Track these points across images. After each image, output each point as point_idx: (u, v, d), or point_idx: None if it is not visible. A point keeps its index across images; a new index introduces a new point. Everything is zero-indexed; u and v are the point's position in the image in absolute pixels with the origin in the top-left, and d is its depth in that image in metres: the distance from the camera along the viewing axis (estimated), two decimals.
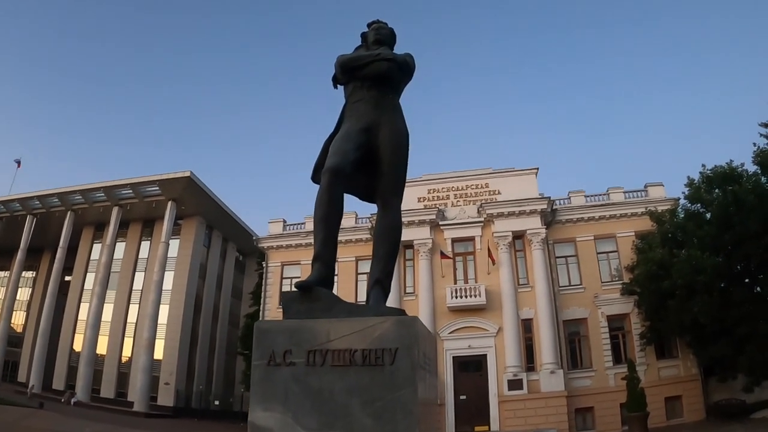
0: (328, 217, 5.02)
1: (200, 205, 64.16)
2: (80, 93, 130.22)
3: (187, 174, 59.23)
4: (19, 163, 73.47)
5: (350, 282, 43.35)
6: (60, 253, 66.26)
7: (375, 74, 5.78)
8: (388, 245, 5.43)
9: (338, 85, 6.13)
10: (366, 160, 5.47)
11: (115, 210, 64.99)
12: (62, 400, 52.76)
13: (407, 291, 42.21)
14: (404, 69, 6.01)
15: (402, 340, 4.22)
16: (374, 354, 4.20)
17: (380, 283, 5.21)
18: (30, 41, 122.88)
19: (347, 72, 5.93)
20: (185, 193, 61.10)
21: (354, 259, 44.10)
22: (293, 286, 4.83)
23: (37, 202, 67.74)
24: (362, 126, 5.54)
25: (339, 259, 42.64)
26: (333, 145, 5.39)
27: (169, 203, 61.92)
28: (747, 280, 33.75)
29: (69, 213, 66.81)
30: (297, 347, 4.31)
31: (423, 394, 4.32)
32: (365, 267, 42.62)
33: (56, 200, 66.98)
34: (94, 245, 69.50)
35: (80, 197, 66.13)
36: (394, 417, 4.02)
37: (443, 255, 41.28)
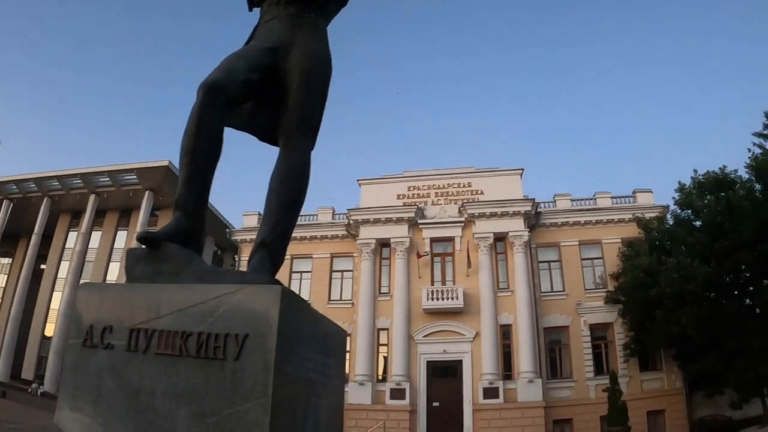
0: (196, 150, 3.70)
1: None
2: (58, 77, 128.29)
3: (166, 163, 58.31)
4: None
5: (324, 280, 42.52)
6: (35, 240, 65.32)
7: None
8: (284, 196, 3.97)
9: (253, 8, 4.81)
10: (271, 90, 4.21)
11: (91, 198, 64.05)
12: (29, 391, 51.65)
13: (382, 291, 41.19)
14: None
15: (256, 322, 2.92)
16: (213, 341, 2.95)
17: (266, 246, 3.74)
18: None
19: None
20: (163, 183, 60.08)
21: (329, 255, 43.52)
22: (135, 238, 3.34)
23: (14, 187, 66.68)
24: (269, 45, 4.26)
25: (313, 255, 42.45)
26: (221, 62, 4.07)
27: (147, 193, 60.89)
28: (736, 293, 32.98)
29: (45, 199, 65.75)
30: (118, 323, 3.16)
31: (290, 416, 3.06)
32: (342, 264, 41.72)
33: (33, 185, 65.96)
34: (70, 233, 68.57)
35: (57, 183, 65.11)
36: None
37: (419, 254, 40.05)
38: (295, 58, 4.20)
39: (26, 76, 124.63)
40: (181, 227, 3.59)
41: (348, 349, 39.31)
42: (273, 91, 4.19)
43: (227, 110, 3.87)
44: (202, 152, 3.72)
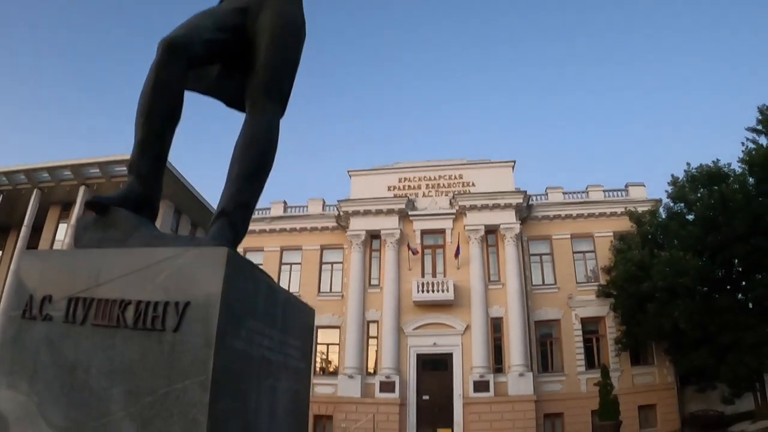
0: (152, 111, 3.38)
1: (168, 188, 61.62)
2: (47, 66, 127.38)
3: None
4: None
5: (314, 272, 42.28)
6: (24, 232, 64.33)
7: None
8: (247, 163, 3.62)
9: None
10: (239, 53, 3.88)
11: (81, 189, 63.21)
12: None
13: (372, 283, 40.87)
14: None
15: (198, 289, 2.61)
16: (152, 311, 2.63)
17: (226, 215, 3.39)
18: None
19: None
20: None
21: (319, 247, 43.24)
22: (83, 203, 2.96)
23: (4, 179, 65.72)
24: (238, 6, 3.96)
25: (303, 247, 42.21)
26: (186, 20, 3.76)
27: None
28: (729, 287, 32.79)
29: (35, 191, 65.04)
30: (57, 293, 2.84)
31: (238, 398, 2.71)
32: (332, 256, 41.48)
33: (23, 177, 64.90)
34: (60, 225, 67.82)
35: (47, 175, 64.50)
36: (168, 428, 2.43)
37: (410, 248, 39.87)
38: (266, 20, 3.92)
39: (13, 66, 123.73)
40: (133, 192, 3.35)
41: (337, 341, 39.21)
42: (241, 55, 3.88)
43: (188, 70, 3.56)
44: (158, 114, 3.42)
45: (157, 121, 3.41)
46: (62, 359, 2.73)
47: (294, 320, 3.50)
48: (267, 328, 3.02)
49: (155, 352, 2.56)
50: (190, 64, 3.52)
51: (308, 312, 3.90)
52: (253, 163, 3.60)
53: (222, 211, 3.39)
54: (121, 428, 2.50)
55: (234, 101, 4.05)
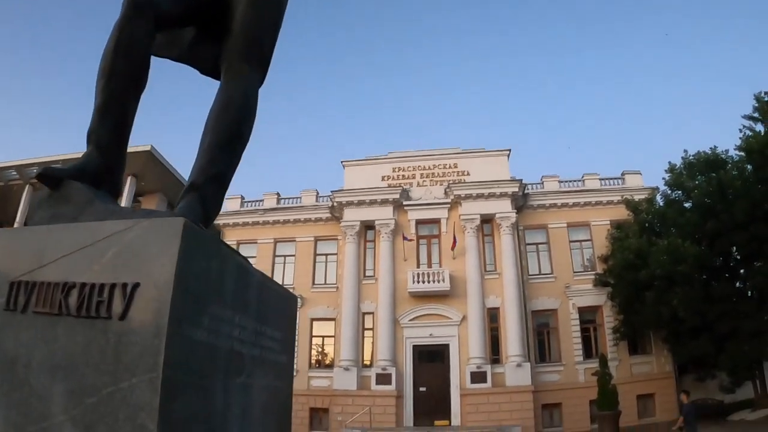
0: (113, 73, 3.01)
1: (161, 181, 62.15)
2: (32, 59, 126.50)
3: (147, 148, 57.31)
4: None
5: (308, 263, 42.10)
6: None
7: None
8: (221, 131, 3.22)
9: None
10: (213, 14, 3.52)
11: None
12: None
13: (367, 274, 40.55)
14: None
15: (149, 267, 2.23)
16: (97, 295, 2.25)
17: (196, 189, 3.01)
18: None
19: None
20: (145, 169, 59.21)
21: (313, 238, 42.98)
22: (34, 175, 2.68)
23: None
24: None
25: (297, 239, 41.99)
26: None
27: (129, 178, 59.66)
28: (728, 275, 32.84)
29: (27, 187, 64.81)
30: (0, 276, 2.47)
31: (197, 399, 2.34)
32: (326, 248, 41.29)
33: (14, 173, 64.83)
34: None
35: (38, 170, 64.21)
36: None
37: (404, 237, 39.47)
38: None
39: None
40: (90, 164, 2.94)
41: (332, 333, 38.99)
42: (218, 17, 3.51)
43: (156, 30, 3.19)
44: (121, 76, 3.03)
45: (119, 84, 3.02)
46: (2, 353, 2.37)
47: (272, 308, 3.12)
48: (238, 316, 2.64)
49: (100, 344, 2.19)
50: (158, 23, 3.15)
51: (290, 298, 3.51)
52: (227, 132, 3.21)
53: (191, 185, 3.00)
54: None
55: (210, 68, 3.69)
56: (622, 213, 37.77)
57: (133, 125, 3.17)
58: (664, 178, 34.87)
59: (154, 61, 3.34)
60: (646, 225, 34.98)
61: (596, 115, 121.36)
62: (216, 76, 3.57)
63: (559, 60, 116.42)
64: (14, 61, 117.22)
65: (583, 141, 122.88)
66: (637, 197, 38.06)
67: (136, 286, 2.20)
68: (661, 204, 35.67)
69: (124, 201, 59.33)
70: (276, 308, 3.18)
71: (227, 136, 3.19)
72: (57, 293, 2.33)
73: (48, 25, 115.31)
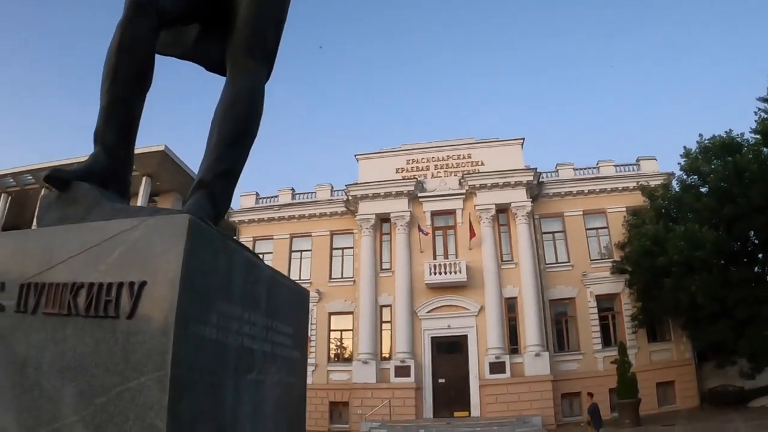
0: (117, 73, 3.03)
1: (176, 180, 62.39)
2: (43, 60, 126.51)
3: (161, 148, 57.58)
4: None
5: (325, 258, 42.16)
6: None
7: None
8: (227, 127, 3.23)
9: None
10: (217, 10, 3.53)
11: None
12: None
13: (383, 267, 40.53)
14: None
15: (155, 265, 2.24)
16: (104, 294, 2.27)
17: (205, 186, 3.05)
18: None
19: None
20: (160, 169, 59.54)
21: (329, 233, 43.13)
22: (42, 178, 2.91)
23: (11, 180, 66.07)
24: None
25: (312, 233, 42.07)
26: None
27: (144, 179, 60.01)
28: (746, 260, 32.63)
29: (43, 190, 65.00)
30: (11, 279, 2.52)
31: (207, 397, 2.34)
32: (342, 241, 41.37)
33: (30, 177, 65.14)
34: None
35: (45, 173, 64.49)
36: None
37: (420, 229, 39.43)
38: None
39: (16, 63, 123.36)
40: (98, 164, 2.99)
41: (351, 327, 39.06)
42: (222, 13, 3.52)
43: (160, 28, 3.23)
44: (125, 76, 3.05)
45: (124, 85, 3.04)
46: (13, 355, 2.40)
47: (283, 303, 3.11)
48: (247, 312, 2.64)
49: (108, 343, 2.21)
50: (161, 21, 3.16)
51: (301, 293, 3.49)
52: (234, 128, 3.21)
53: (200, 182, 3.02)
54: None
55: (215, 65, 3.69)
56: (638, 199, 37.56)
57: (145, 125, 3.19)
58: (679, 163, 34.63)
59: (164, 60, 3.34)
60: (663, 211, 34.70)
61: (609, 100, 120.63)
62: (222, 73, 3.56)
63: (570, 46, 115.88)
64: (26, 64, 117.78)
65: (597, 127, 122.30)
66: (652, 183, 37.86)
67: (143, 284, 2.20)
68: (678, 189, 35.41)
69: (140, 201, 59.60)
70: (287, 303, 3.17)
71: (234, 132, 3.20)
72: (66, 294, 2.34)
73: (58, 26, 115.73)
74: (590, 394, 27.00)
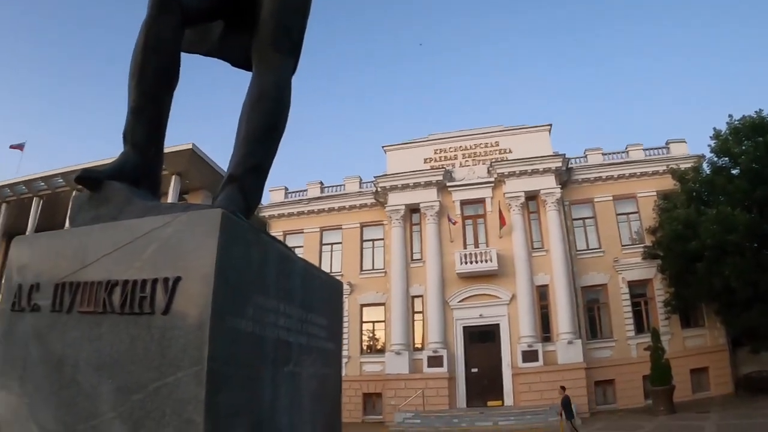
0: (144, 71, 3.04)
1: (204, 177, 62.77)
2: (74, 70, 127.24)
3: (189, 146, 57.98)
4: (21, 147, 72.23)
5: (355, 250, 42.38)
6: None
7: None
8: (255, 122, 3.22)
9: None
10: (241, 6, 3.51)
11: None
12: None
13: (414, 257, 40.62)
14: None
15: (189, 260, 2.26)
16: (139, 291, 2.31)
17: (235, 180, 3.03)
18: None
19: None
20: (189, 167, 59.92)
21: (359, 225, 43.32)
22: (74, 179, 3.00)
23: (42, 184, 66.77)
24: None
25: (343, 226, 42.21)
26: None
27: (173, 177, 60.40)
28: None
29: (74, 193, 65.62)
30: (45, 279, 2.58)
31: (245, 390, 2.35)
32: (372, 233, 41.40)
33: (61, 180, 65.75)
34: None
35: (77, 173, 65.10)
36: (161, 430, 2.11)
37: (450, 219, 39.32)
38: None
39: (44, 68, 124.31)
40: (128, 163, 2.99)
41: (383, 318, 39.13)
42: (246, 9, 3.50)
43: (184, 26, 3.22)
44: (152, 74, 3.06)
45: (151, 83, 3.05)
46: (50, 354, 2.45)
47: (317, 295, 3.12)
48: (282, 305, 2.66)
49: (144, 340, 2.24)
50: (186, 18, 3.17)
51: (335, 285, 3.51)
52: (263, 122, 3.21)
53: (230, 177, 3.03)
54: (110, 431, 2.19)
55: (241, 60, 3.70)
56: (669, 183, 36.98)
57: (170, 124, 3.21)
58: (709, 145, 33.98)
59: (187, 57, 3.36)
60: (694, 194, 34.12)
61: (636, 84, 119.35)
62: (248, 68, 3.55)
63: (593, 30, 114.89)
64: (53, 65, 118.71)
65: (625, 111, 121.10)
66: (683, 166, 37.17)
67: (177, 280, 2.22)
68: (708, 172, 34.64)
69: (170, 200, 59.81)
70: (321, 295, 3.18)
71: (263, 127, 3.19)
72: (100, 292, 2.38)
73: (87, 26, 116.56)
74: (563, 387, 27.11)
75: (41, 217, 65.31)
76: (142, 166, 3.01)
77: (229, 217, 2.33)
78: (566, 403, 25.12)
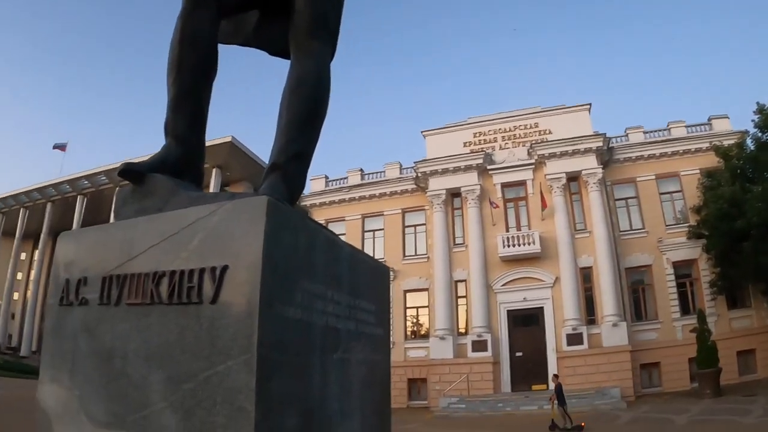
0: (182, 64, 3.10)
1: (245, 169, 63.60)
2: (115, 64, 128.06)
3: (228, 139, 58.85)
4: (63, 147, 73.30)
5: (397, 236, 42.57)
6: None
7: None
8: (296, 110, 3.19)
9: None
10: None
11: None
12: None
13: (456, 242, 40.62)
14: None
15: (236, 248, 2.27)
16: (186, 281, 2.33)
17: (279, 168, 3.01)
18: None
19: None
20: (229, 159, 60.81)
21: (400, 211, 43.42)
22: (117, 173, 2.98)
23: (86, 182, 68.20)
24: None
25: (384, 212, 42.27)
26: None
27: (214, 170, 61.38)
28: None
29: (117, 189, 66.50)
30: (92, 273, 2.65)
31: (295, 377, 2.37)
32: (413, 219, 41.51)
33: (104, 178, 67.10)
34: None
35: (119, 168, 66.39)
36: (212, 419, 2.14)
37: (491, 202, 39.10)
38: None
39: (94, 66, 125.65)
40: (170, 155, 3.03)
41: (426, 304, 39.19)
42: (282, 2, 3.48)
43: (220, 17, 3.29)
44: (190, 68, 3.11)
45: (189, 76, 3.11)
46: (99, 346, 2.54)
47: (364, 280, 3.12)
48: (330, 291, 2.67)
49: (193, 329, 2.28)
50: (221, 9, 3.24)
51: (382, 270, 3.51)
52: (303, 110, 3.20)
53: (273, 165, 3.02)
54: (161, 420, 2.26)
55: (278, 49, 3.70)
56: (713, 160, 36.19)
57: (209, 118, 3.23)
58: (753, 120, 33.27)
59: (226, 49, 3.38)
60: (738, 171, 33.49)
61: (676, 59, 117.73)
62: (285, 56, 3.56)
63: (633, 4, 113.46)
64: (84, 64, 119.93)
65: (665, 88, 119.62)
66: (726, 143, 36.23)
67: (225, 268, 2.24)
68: (753, 148, 34.00)
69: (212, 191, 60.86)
70: (368, 281, 3.18)
71: (304, 114, 3.19)
72: (148, 283, 2.42)
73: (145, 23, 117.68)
74: (556, 376, 28.00)
75: (86, 214, 66.62)
76: (184, 157, 3.04)
77: (275, 203, 2.33)
78: (559, 391, 25.56)
